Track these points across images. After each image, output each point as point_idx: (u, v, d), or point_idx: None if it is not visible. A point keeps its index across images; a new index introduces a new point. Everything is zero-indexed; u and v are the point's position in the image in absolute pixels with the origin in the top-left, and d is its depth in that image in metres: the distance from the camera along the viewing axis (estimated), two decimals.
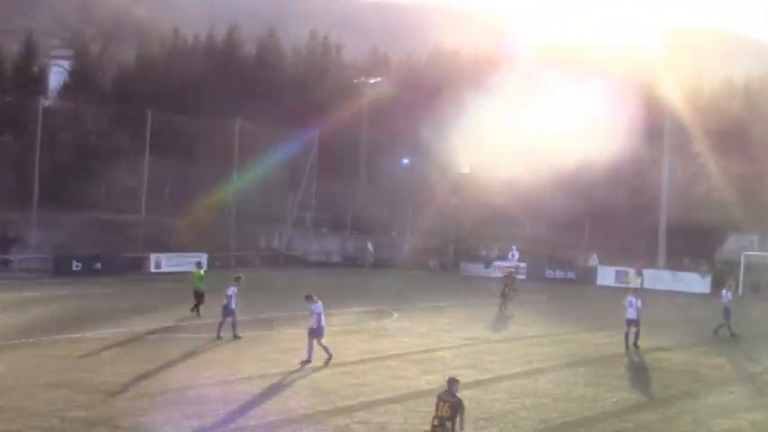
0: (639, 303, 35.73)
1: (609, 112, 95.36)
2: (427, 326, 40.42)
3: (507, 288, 48.16)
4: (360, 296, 51.01)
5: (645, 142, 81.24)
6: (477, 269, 73.42)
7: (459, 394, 16.71)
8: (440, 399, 16.67)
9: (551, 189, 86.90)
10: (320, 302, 29.28)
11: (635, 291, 38.50)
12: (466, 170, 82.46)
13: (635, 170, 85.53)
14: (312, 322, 29.26)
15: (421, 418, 22.28)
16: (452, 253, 77.88)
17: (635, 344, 35.33)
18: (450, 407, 16.44)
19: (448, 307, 49.55)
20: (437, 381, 27.23)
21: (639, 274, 63.24)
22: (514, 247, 74.26)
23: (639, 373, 30.83)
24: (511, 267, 58.15)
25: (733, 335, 40.35)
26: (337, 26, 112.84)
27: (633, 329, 35.41)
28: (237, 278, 35.32)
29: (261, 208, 79.35)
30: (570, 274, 70.65)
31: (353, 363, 29.96)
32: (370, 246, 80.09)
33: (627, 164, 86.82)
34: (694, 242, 78.96)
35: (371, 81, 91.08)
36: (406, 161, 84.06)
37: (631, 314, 35.51)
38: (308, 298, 29.54)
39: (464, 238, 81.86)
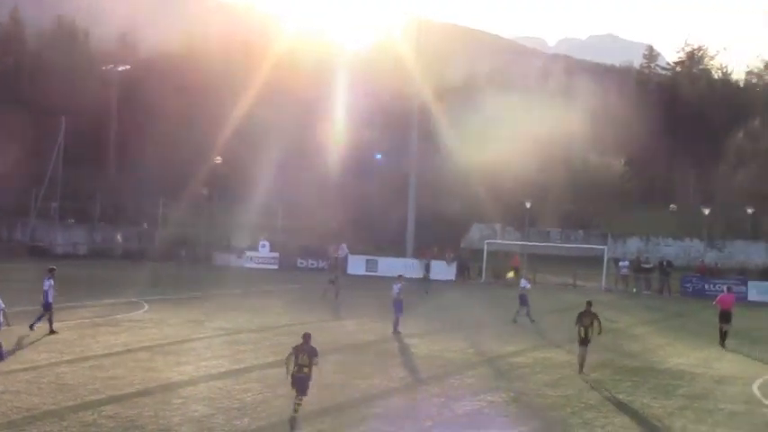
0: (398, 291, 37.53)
1: (357, 103, 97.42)
2: (179, 317, 39.82)
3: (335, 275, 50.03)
4: (108, 288, 49.67)
5: (395, 133, 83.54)
6: (229, 259, 73.01)
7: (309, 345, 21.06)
8: (298, 350, 21.01)
9: (304, 180, 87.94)
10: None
11: (398, 278, 39.47)
12: (218, 160, 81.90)
13: (386, 161, 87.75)
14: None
15: (172, 409, 21.96)
16: (205, 243, 77.07)
17: (396, 330, 36.98)
18: (307, 355, 20.94)
19: (201, 298, 49.04)
20: (188, 372, 26.93)
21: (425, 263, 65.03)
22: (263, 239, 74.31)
23: (389, 360, 31.54)
24: (338, 254, 58.39)
25: (532, 321, 42.51)
26: (84, 12, 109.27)
27: (397, 316, 37.42)
28: (51, 270, 33.99)
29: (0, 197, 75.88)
30: (322, 264, 71.42)
31: (102, 356, 29.10)
32: (119, 237, 78.11)
33: (377, 154, 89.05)
34: (441, 231, 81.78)
35: (120, 68, 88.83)
36: (158, 150, 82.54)
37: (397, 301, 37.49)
38: (50, 270, 33.58)
39: (217, 228, 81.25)
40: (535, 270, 67.31)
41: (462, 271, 69.46)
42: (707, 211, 74.16)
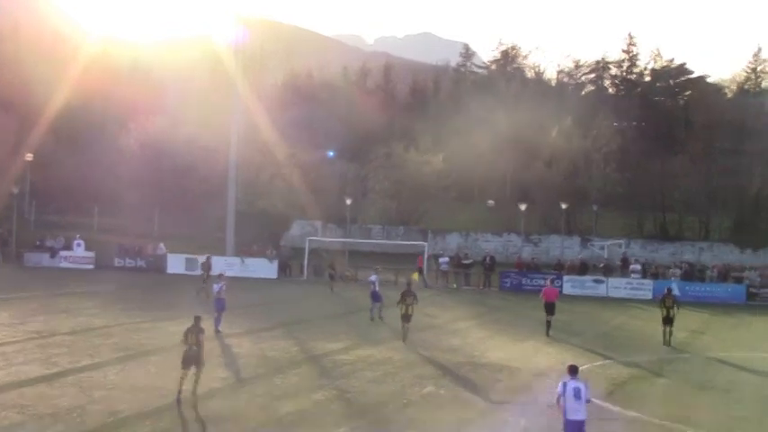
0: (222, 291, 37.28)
1: (175, 101, 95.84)
2: None
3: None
4: None
5: (215, 130, 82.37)
6: (42, 259, 70.30)
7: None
8: (190, 331, 24.59)
9: (120, 178, 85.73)
10: None
11: (219, 276, 39.20)
12: (29, 158, 79.21)
13: (205, 157, 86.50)
14: None
15: None
16: (16, 243, 73.88)
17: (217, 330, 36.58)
18: (196, 335, 24.54)
19: (11, 299, 46.95)
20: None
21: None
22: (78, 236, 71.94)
23: (210, 360, 30.94)
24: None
25: (380, 318, 42.69)
26: None
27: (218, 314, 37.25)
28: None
29: None
30: (140, 263, 69.75)
31: None
32: None
33: (196, 152, 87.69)
34: (262, 228, 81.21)
35: None
36: None
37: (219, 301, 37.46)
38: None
39: (28, 227, 78.28)
40: (357, 267, 67.65)
41: (284, 268, 69.14)
42: (523, 207, 76.22)
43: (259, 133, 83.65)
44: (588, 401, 19.42)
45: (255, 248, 70.97)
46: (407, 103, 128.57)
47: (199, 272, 55.08)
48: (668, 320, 39.15)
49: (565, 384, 19.43)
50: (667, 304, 39.41)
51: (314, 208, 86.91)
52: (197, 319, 24.95)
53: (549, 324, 40.30)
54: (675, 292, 50.77)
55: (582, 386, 19.31)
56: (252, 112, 79.99)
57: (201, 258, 56.50)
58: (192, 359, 24.51)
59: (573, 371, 19.90)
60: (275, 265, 68.62)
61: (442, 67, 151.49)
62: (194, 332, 24.62)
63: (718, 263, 71.65)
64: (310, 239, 73.48)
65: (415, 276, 61.87)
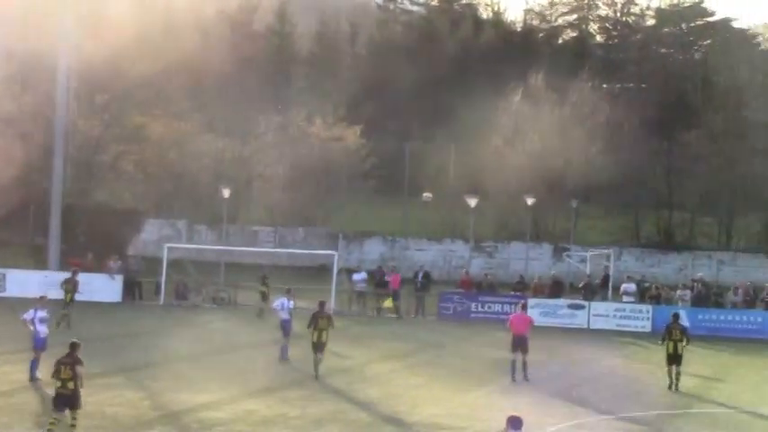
0: None
1: None
2: None
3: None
4: None
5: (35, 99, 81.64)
6: None
7: None
8: (60, 363, 26.94)
9: None
10: None
11: (40, 299, 39.30)
12: None
13: (25, 162, 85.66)
14: None
15: None
16: None
17: None
18: (70, 368, 26.76)
19: None
20: None
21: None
22: None
23: (23, 417, 30.92)
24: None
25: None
26: None
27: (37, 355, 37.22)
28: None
29: None
30: None
31: None
32: None
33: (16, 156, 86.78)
34: (101, 231, 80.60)
35: None
36: None
37: None
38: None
39: None
40: (236, 286, 67.68)
41: (131, 288, 68.71)
42: (473, 203, 76.18)
43: (100, 92, 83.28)
44: None
45: (91, 259, 70.43)
46: (311, 54, 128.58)
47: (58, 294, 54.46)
48: (675, 358, 40.26)
49: None
50: (674, 336, 40.33)
51: (176, 202, 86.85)
52: (73, 346, 27.40)
53: (518, 365, 40.87)
54: (684, 321, 51.50)
55: None
56: (89, 62, 79.29)
57: (63, 275, 56.90)
58: (67, 400, 26.69)
59: (515, 425, 19.80)
60: (119, 282, 68.21)
61: (361, 5, 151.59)
62: (67, 364, 26.83)
63: (743, 281, 72.52)
64: (170, 247, 73.08)
65: (389, 303, 62.36)
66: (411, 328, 61.07)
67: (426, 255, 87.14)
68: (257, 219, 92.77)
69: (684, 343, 40.40)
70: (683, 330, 41.28)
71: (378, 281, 69.17)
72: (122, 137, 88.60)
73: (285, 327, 44.72)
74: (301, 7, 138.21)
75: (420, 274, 68.51)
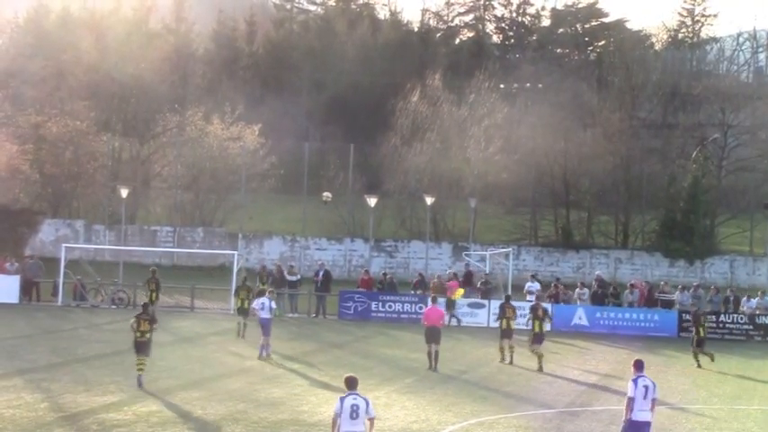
0: None
1: None
2: None
3: None
4: None
5: None
6: None
7: None
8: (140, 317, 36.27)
9: None
10: None
11: None
12: None
13: None
14: None
15: None
16: None
17: None
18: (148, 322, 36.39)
19: None
20: None
21: None
22: None
23: None
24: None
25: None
26: None
27: None
28: None
29: None
30: None
31: None
32: None
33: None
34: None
35: None
36: None
37: None
38: None
39: None
40: (135, 287, 67.15)
41: (28, 289, 67.98)
42: (372, 202, 76.55)
43: None
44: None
45: None
46: (209, 53, 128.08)
47: None
48: (508, 333, 47.57)
49: None
50: (507, 314, 48.00)
51: (73, 202, 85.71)
52: (145, 306, 36.96)
53: (434, 356, 44.01)
54: (582, 319, 52.79)
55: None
56: None
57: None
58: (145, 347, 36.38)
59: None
60: (16, 283, 67.46)
61: (258, 4, 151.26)
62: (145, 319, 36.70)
63: (638, 280, 73.26)
64: (68, 247, 72.49)
65: (459, 294, 63.58)
66: (311, 328, 61.08)
67: (326, 254, 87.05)
68: (156, 219, 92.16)
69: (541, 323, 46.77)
70: (515, 309, 48.37)
71: (277, 280, 68.76)
72: (17, 136, 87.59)
73: (265, 326, 47.03)
74: (198, 6, 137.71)
75: (320, 273, 68.45)
